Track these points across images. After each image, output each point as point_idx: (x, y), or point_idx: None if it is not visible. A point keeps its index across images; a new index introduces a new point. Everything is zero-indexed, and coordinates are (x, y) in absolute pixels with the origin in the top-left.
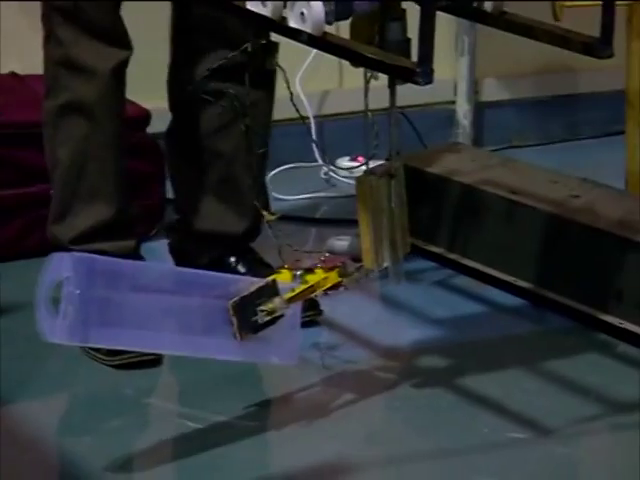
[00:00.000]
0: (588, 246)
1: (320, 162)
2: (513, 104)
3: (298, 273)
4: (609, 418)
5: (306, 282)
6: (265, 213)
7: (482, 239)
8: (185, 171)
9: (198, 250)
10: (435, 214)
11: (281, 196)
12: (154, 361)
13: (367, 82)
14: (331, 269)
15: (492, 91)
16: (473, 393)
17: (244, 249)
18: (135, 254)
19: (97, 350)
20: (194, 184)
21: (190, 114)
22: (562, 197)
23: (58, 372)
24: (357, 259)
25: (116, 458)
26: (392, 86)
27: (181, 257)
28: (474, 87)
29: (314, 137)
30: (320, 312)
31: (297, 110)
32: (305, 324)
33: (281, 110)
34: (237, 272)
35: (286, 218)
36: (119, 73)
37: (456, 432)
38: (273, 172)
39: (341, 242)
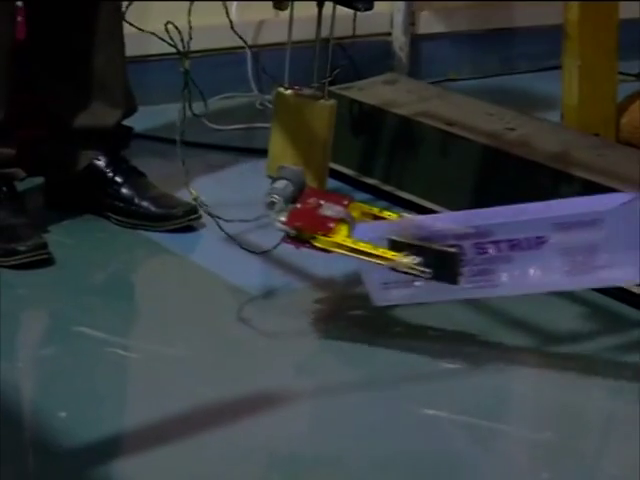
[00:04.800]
0: (523, 178)
1: (256, 92)
2: (449, 37)
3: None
4: (540, 351)
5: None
6: (192, 191)
7: (417, 171)
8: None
9: (72, 154)
10: (370, 146)
11: (216, 126)
12: (46, 260)
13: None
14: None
15: (429, 24)
16: (406, 324)
17: (119, 158)
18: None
19: None
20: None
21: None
22: (498, 129)
23: None
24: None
25: (45, 385)
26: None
27: (55, 171)
28: (411, 19)
29: (249, 67)
30: (199, 216)
31: (240, 37)
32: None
33: (217, 39)
34: (114, 182)
35: (222, 148)
36: None
37: (388, 362)
38: (208, 101)
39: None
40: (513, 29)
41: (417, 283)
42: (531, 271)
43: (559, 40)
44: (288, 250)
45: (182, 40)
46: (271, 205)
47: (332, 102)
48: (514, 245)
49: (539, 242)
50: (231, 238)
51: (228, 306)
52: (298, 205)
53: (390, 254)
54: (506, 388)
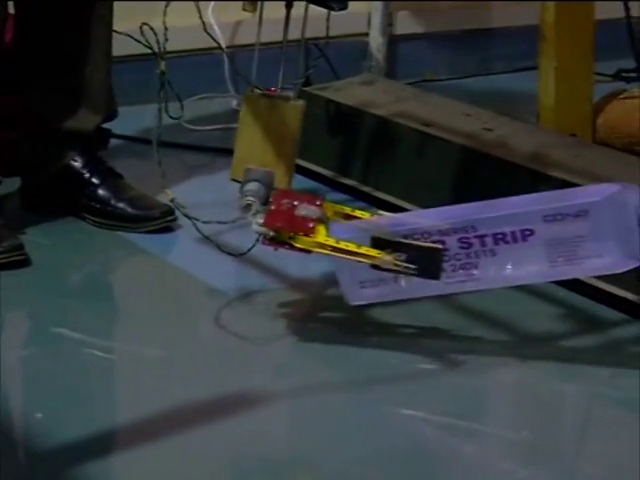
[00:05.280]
0: (500, 179)
1: (232, 93)
2: (427, 38)
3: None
4: (516, 351)
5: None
6: (167, 191)
7: (395, 172)
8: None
9: (49, 155)
10: (348, 146)
11: (192, 126)
12: (23, 261)
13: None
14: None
15: (406, 24)
16: (382, 324)
17: (96, 159)
18: None
19: None
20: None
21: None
22: (475, 130)
23: None
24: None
25: (23, 387)
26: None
27: (32, 172)
28: (388, 20)
29: (226, 68)
30: (176, 218)
31: (213, 39)
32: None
33: (193, 40)
34: (91, 183)
35: (198, 149)
36: None
37: (365, 364)
38: (184, 102)
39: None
40: (490, 30)
41: (401, 280)
42: (515, 264)
43: (536, 41)
44: (263, 251)
45: (157, 41)
46: (247, 207)
47: (302, 102)
48: (499, 239)
49: (526, 235)
50: (208, 239)
51: (205, 307)
52: (272, 207)
53: (374, 252)
54: (483, 387)
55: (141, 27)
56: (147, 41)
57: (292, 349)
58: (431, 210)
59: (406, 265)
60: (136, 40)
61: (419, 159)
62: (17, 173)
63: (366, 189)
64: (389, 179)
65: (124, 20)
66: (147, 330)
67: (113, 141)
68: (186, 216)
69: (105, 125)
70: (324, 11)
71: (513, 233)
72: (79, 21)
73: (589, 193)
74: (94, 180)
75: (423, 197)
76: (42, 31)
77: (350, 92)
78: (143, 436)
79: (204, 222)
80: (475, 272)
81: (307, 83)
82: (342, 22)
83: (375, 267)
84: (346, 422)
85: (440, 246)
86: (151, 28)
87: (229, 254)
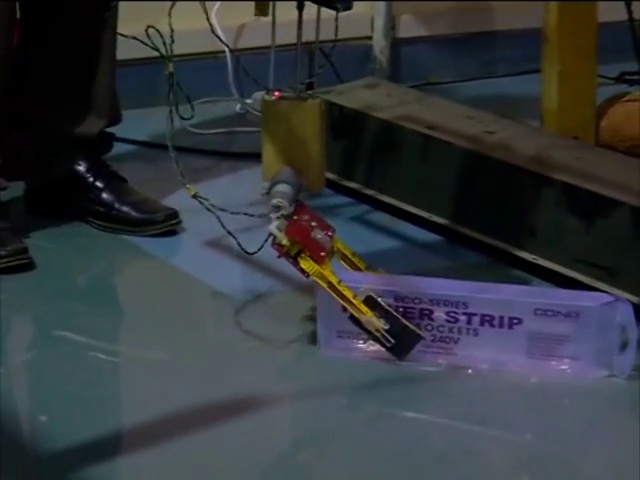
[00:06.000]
0: (503, 182)
1: (236, 96)
2: (430, 41)
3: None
4: None
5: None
6: (189, 186)
7: (398, 175)
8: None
9: (54, 159)
10: (351, 149)
11: (196, 130)
12: (27, 265)
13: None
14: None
15: (409, 27)
16: None
17: (100, 163)
18: None
19: None
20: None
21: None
22: (477, 133)
23: None
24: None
25: (27, 389)
26: (300, 9)
27: (36, 176)
28: (391, 23)
29: (230, 71)
30: (180, 221)
31: (221, 40)
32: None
33: (197, 44)
34: (95, 187)
35: (202, 152)
36: None
37: (369, 366)
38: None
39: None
40: (493, 33)
41: (371, 345)
42: (494, 348)
43: (539, 44)
44: (269, 254)
45: (164, 44)
46: (277, 209)
47: (319, 100)
48: (486, 321)
49: (513, 323)
50: (230, 234)
51: (210, 310)
52: (295, 217)
53: (365, 309)
54: (486, 390)
55: (147, 30)
56: (153, 43)
57: (297, 352)
58: (430, 280)
59: (385, 335)
60: (143, 43)
61: (422, 162)
62: (22, 177)
63: (369, 192)
64: (392, 182)
65: (126, 23)
66: (151, 333)
67: (117, 145)
68: (209, 209)
69: (109, 129)
70: (327, 14)
71: (501, 318)
72: (86, 26)
73: (584, 297)
74: (98, 184)
75: (426, 200)
76: (48, 35)
77: (353, 95)
78: (148, 439)
79: (232, 213)
80: (453, 347)
81: (310, 87)
82: (345, 25)
83: (354, 320)
84: (349, 425)
85: (422, 334)
86: (157, 30)
87: (245, 251)
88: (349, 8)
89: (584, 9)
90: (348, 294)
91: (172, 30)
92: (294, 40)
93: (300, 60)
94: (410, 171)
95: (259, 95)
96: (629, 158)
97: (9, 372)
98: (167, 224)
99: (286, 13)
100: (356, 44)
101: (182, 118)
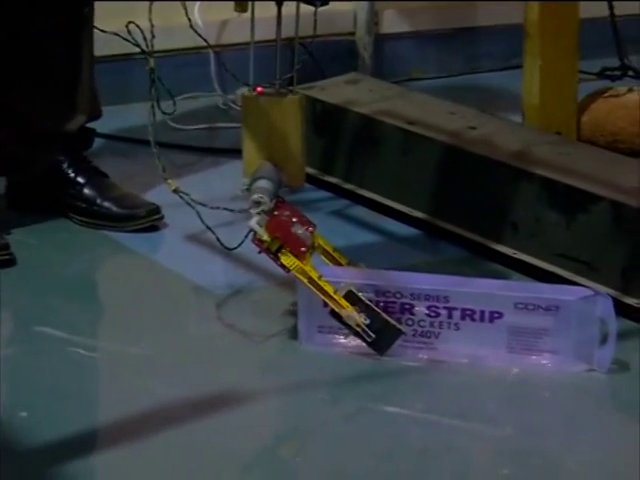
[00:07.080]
0: (484, 177)
1: (219, 92)
2: (413, 36)
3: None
4: None
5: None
6: (169, 181)
7: (379, 170)
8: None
9: (35, 155)
10: (332, 144)
11: (179, 126)
12: (8, 261)
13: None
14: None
15: (392, 23)
16: None
17: (81, 158)
18: None
19: None
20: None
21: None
22: (459, 128)
23: None
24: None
25: (7, 385)
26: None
27: (17, 171)
28: (374, 19)
29: (212, 67)
30: (162, 216)
31: (200, 36)
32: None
33: (180, 39)
34: (77, 183)
35: (184, 148)
36: None
37: (350, 361)
38: (171, 101)
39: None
40: (476, 28)
41: (351, 339)
42: (475, 342)
43: (521, 39)
44: (250, 249)
45: (145, 39)
46: (257, 204)
47: (299, 96)
48: (467, 315)
49: (494, 317)
50: (209, 229)
51: (191, 305)
52: (276, 212)
53: (345, 303)
54: (467, 385)
55: (127, 25)
56: (134, 39)
57: (278, 347)
58: (411, 274)
59: (366, 330)
60: (124, 39)
61: (402, 157)
62: (3, 173)
63: (349, 187)
64: (373, 177)
65: (105, 20)
66: (133, 328)
67: (98, 140)
68: (189, 204)
69: (89, 125)
70: (308, 10)
71: (482, 312)
72: (66, 22)
73: (564, 291)
74: (79, 179)
75: (406, 195)
76: (28, 31)
77: (335, 91)
78: (128, 435)
79: (212, 208)
80: (434, 342)
81: (292, 82)
82: (328, 21)
83: (335, 315)
84: (330, 419)
85: (403, 329)
86: (137, 26)
87: (224, 247)
88: (326, 4)
89: (565, 5)
90: (329, 289)
91: (152, 25)
92: (275, 36)
93: (280, 56)
94: (391, 166)
95: (241, 91)
96: (610, 153)
97: None
98: (149, 219)
99: (267, 9)
100: (339, 40)
101: (164, 113)
